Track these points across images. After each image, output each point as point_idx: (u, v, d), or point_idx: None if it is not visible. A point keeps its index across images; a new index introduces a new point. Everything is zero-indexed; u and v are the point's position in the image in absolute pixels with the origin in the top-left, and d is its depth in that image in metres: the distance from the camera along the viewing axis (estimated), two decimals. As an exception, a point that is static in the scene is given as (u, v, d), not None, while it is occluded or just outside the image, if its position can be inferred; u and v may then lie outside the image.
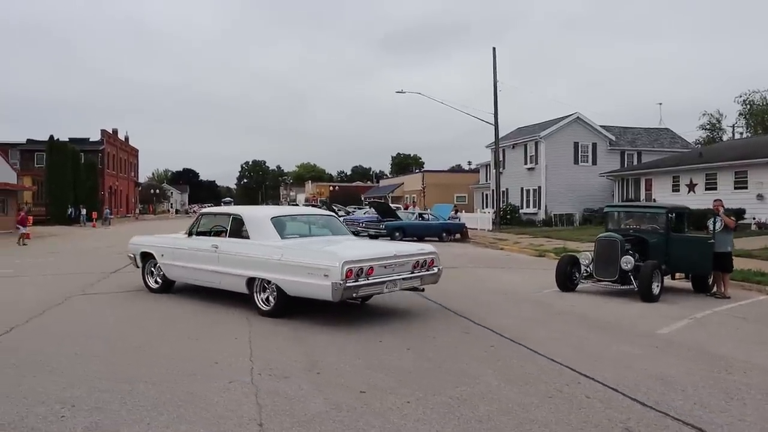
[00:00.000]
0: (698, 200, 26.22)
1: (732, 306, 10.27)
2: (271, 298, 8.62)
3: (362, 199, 77.99)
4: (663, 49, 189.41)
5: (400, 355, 6.56)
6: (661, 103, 77.16)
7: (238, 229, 9.50)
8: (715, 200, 12.52)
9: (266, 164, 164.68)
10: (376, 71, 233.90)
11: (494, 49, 34.45)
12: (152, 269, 11.01)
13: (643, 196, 34.00)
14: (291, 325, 8.05)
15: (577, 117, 39.96)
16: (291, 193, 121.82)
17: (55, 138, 50.66)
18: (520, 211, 41.56)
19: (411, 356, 6.55)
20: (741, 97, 53.40)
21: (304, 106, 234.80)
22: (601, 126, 40.76)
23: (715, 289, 11.47)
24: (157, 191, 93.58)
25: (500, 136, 36.92)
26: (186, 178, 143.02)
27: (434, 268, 9.16)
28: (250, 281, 8.83)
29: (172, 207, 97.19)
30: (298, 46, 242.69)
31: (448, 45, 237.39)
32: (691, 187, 30.17)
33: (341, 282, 7.55)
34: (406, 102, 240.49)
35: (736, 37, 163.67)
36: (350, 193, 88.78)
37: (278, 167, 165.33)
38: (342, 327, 7.96)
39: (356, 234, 16.91)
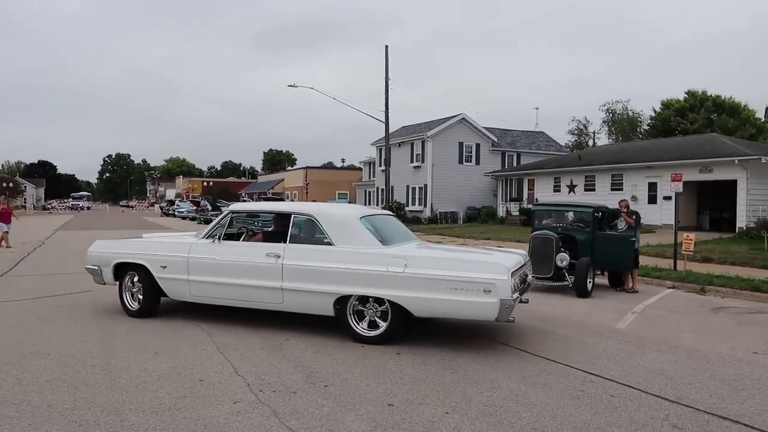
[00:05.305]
0: (579, 200, 27.92)
1: (655, 299, 10.82)
2: (377, 320, 6.96)
3: (242, 195, 75.73)
4: (532, 57, 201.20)
5: (396, 360, 6.19)
6: (537, 108, 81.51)
7: (309, 232, 7.59)
8: (621, 200, 13.39)
9: (131, 158, 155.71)
10: (248, 67, 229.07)
11: (387, 47, 34.57)
12: (131, 285, 8.49)
13: (525, 195, 35.77)
14: (253, 329, 7.40)
15: (463, 118, 41.15)
16: (160, 188, 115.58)
17: None
18: (406, 208, 42.18)
19: (405, 361, 6.23)
20: (605, 105, 57.96)
21: (173, 101, 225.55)
22: (484, 127, 42.35)
23: (630, 284, 12.12)
24: (10, 185, 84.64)
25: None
26: (42, 172, 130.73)
27: (530, 275, 8.05)
28: (342, 300, 7.05)
29: (26, 202, 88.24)
30: (170, 39, 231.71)
31: (324, 44, 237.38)
32: (572, 187, 32.16)
33: (511, 298, 6.27)
34: (279, 98, 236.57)
35: (601, 53, 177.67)
36: (225, 189, 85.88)
37: (144, 161, 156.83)
38: (312, 330, 7.40)
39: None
